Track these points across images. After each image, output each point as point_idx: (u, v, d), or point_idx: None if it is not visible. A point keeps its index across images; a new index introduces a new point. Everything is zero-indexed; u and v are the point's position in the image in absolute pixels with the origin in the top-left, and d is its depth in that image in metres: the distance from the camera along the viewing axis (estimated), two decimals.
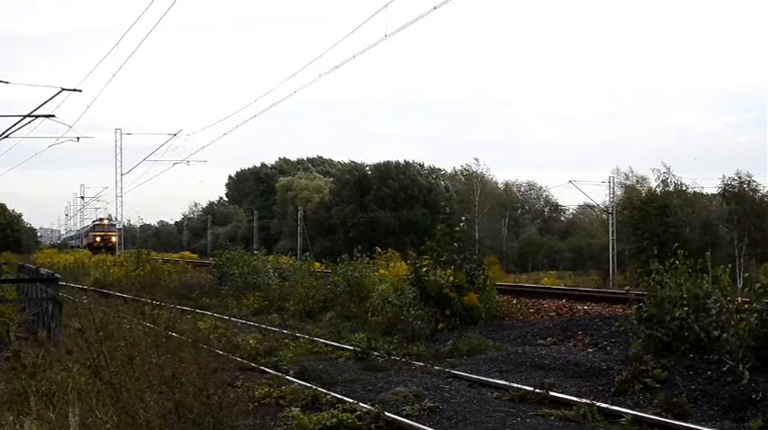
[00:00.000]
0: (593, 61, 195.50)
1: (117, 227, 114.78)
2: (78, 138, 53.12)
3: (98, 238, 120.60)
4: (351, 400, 14.05)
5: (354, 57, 33.01)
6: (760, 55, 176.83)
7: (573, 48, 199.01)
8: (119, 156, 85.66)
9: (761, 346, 14.67)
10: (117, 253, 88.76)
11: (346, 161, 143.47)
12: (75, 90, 39.19)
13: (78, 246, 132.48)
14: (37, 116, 40.19)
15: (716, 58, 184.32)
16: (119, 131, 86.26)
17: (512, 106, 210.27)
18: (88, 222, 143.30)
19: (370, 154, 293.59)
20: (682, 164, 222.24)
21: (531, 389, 14.83)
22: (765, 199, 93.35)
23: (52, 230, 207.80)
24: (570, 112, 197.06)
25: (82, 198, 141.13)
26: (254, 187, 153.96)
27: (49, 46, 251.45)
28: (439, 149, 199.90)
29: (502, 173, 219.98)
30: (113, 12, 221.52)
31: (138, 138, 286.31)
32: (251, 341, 21.09)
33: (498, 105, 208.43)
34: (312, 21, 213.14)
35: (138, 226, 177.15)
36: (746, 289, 16.89)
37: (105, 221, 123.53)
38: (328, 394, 14.74)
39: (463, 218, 28.91)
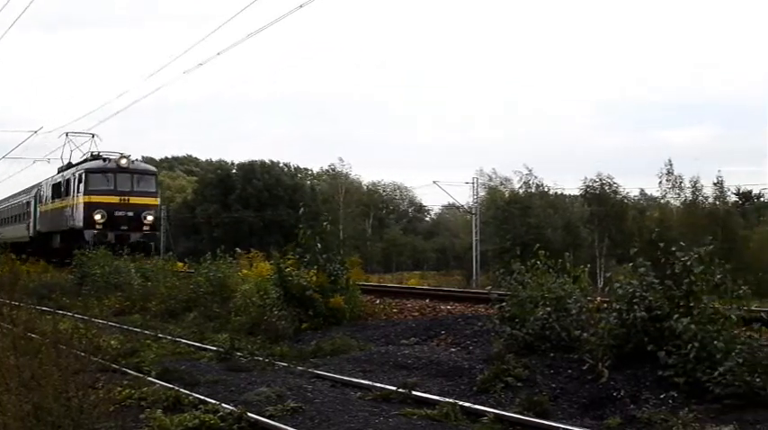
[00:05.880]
0: (462, 62, 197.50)
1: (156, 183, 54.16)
2: None
3: (98, 216, 48.89)
4: (213, 401, 13.95)
5: (219, 54, 32.88)
6: (626, 60, 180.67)
7: (444, 47, 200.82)
8: None
9: (620, 345, 14.98)
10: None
11: (213, 160, 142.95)
12: None
13: None
14: None
15: (585, 62, 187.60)
16: None
17: (381, 106, 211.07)
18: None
19: (238, 153, 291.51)
20: (546, 165, 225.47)
21: (395, 388, 14.90)
22: (625, 200, 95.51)
23: None
24: (438, 113, 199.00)
25: None
26: None
27: None
28: (310, 149, 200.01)
29: (369, 173, 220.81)
30: None
31: None
32: (112, 342, 20.77)
33: (369, 105, 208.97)
34: (184, 20, 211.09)
35: None
36: (607, 289, 17.24)
37: (123, 161, 50.65)
38: (191, 395, 14.61)
39: (322, 216, 28.97)
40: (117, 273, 36.48)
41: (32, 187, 63.20)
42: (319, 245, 24.72)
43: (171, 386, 15.34)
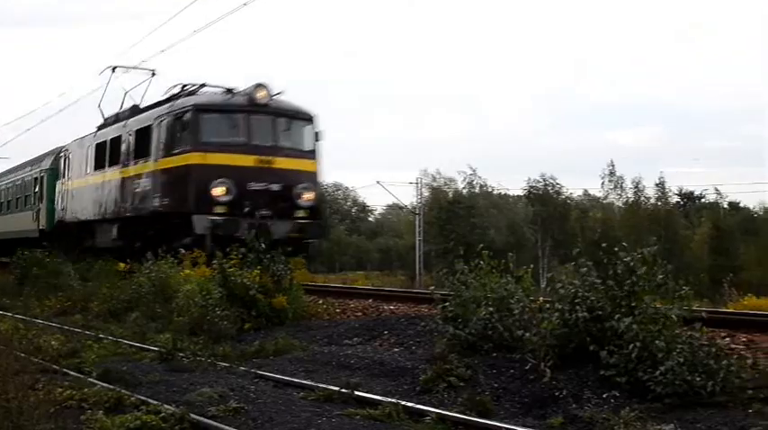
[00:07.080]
0: (404, 60, 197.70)
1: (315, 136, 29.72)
2: None
3: (219, 190, 27.44)
4: (155, 402, 13.82)
5: (163, 51, 32.60)
6: (564, 61, 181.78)
7: (382, 45, 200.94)
8: None
9: (562, 345, 15.01)
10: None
11: None
12: None
13: None
14: None
15: (524, 62, 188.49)
16: None
17: (323, 105, 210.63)
18: None
19: None
20: (490, 166, 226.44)
21: (337, 388, 14.83)
22: (568, 201, 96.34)
23: None
24: (383, 113, 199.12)
25: None
26: None
27: None
28: None
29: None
30: None
31: None
32: (53, 342, 20.57)
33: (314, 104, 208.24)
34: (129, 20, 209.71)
35: None
36: (549, 289, 17.28)
37: (260, 93, 28.08)
38: (132, 396, 14.47)
39: None
40: (58, 273, 36.13)
41: (42, 156, 44.67)
42: (264, 244, 24.61)
43: (112, 387, 15.19)
